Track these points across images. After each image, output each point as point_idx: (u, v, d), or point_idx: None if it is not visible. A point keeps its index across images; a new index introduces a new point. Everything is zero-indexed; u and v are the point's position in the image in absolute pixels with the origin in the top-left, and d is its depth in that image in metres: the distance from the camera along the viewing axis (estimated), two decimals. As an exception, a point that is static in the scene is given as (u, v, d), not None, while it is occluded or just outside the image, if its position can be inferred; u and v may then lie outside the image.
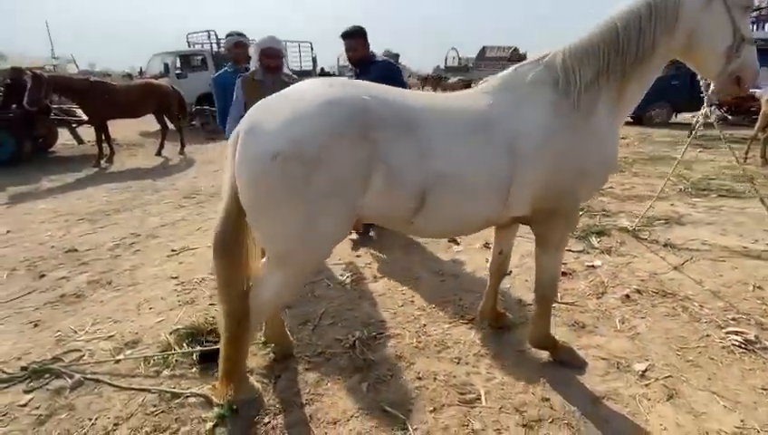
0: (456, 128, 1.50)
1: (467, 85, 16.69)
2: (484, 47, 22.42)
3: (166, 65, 11.00)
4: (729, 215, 3.94)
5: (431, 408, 1.80)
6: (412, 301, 2.66)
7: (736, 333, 2.20)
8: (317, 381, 1.98)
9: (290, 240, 1.43)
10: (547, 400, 1.82)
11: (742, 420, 1.69)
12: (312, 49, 14.84)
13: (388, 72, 3.17)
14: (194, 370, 2.07)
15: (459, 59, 24.41)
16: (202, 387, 1.91)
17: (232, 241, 1.51)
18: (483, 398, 1.84)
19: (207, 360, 2.10)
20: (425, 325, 2.40)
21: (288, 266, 1.51)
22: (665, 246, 3.32)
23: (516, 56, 22.50)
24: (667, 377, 1.94)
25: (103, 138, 7.00)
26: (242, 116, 1.47)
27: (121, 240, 3.75)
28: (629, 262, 3.07)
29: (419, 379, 1.98)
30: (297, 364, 2.09)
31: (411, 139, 1.42)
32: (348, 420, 1.74)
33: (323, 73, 15.50)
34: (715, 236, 3.45)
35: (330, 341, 2.28)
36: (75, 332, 2.41)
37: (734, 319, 2.33)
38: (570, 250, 3.22)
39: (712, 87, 1.76)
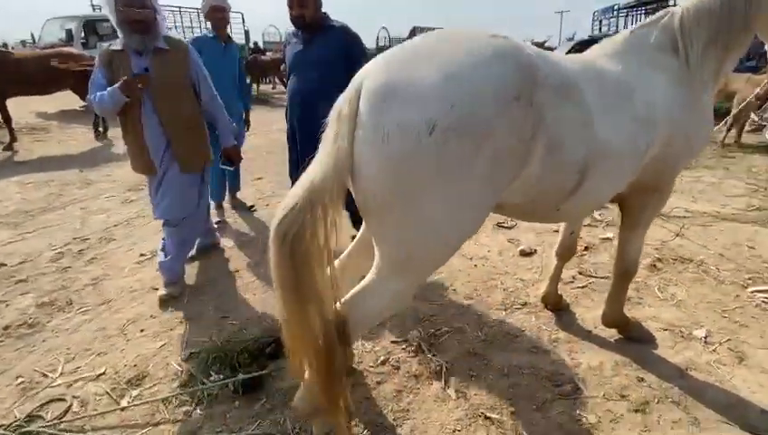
0: (607, 94, 1.29)
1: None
2: (414, 27, 22.36)
3: (68, 32, 9.05)
4: (690, 183, 4.34)
5: (534, 406, 1.63)
6: (454, 289, 2.45)
7: (760, 291, 2.37)
8: (395, 394, 1.70)
9: (427, 239, 1.10)
10: (642, 380, 1.76)
11: (809, 373, 1.79)
12: (243, 21, 13.44)
13: (351, 42, 2.42)
14: (238, 404, 1.64)
15: (390, 39, 24.07)
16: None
17: (309, 242, 1.05)
18: (582, 387, 1.72)
19: (251, 389, 1.69)
20: (481, 316, 2.21)
21: (411, 272, 1.18)
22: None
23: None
24: (727, 340, 2.00)
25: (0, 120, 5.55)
26: None
27: (65, 247, 2.95)
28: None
29: (506, 375, 1.79)
30: (364, 378, 1.78)
31: (572, 104, 1.17)
32: (454, 436, 1.50)
33: (256, 50, 14.12)
34: (690, 204, 3.76)
35: (387, 345, 1.98)
36: (45, 375, 1.79)
37: (750, 278, 2.52)
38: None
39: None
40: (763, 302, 2.28)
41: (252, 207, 3.67)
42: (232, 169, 2.75)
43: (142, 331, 2.10)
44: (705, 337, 2.02)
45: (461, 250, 2.85)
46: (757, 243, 2.97)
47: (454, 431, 1.53)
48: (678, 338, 2.03)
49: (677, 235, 3.11)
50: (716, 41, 1.51)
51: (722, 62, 1.58)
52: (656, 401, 1.65)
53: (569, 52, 11.63)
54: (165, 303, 2.29)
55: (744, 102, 4.31)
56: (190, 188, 2.34)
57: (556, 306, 2.21)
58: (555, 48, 13.27)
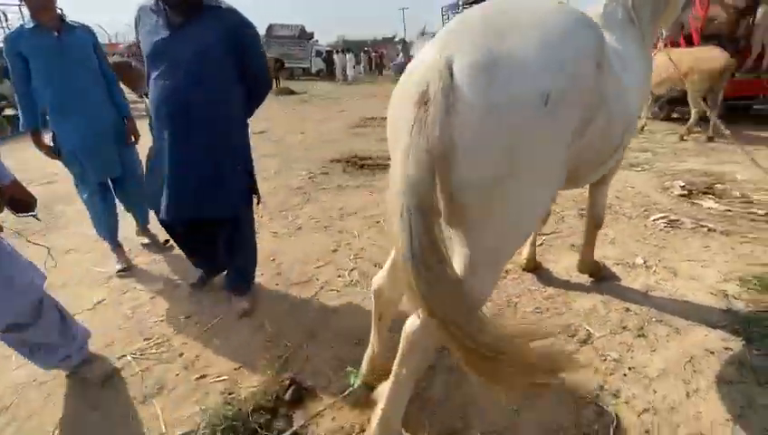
0: (622, 64, 1.38)
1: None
2: (271, 25, 21.50)
3: None
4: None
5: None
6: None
7: (658, 218, 2.97)
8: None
9: (525, 221, 1.04)
10: (628, 310, 2.02)
11: (718, 273, 2.31)
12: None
13: (243, 30, 1.85)
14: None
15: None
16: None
17: (436, 248, 0.90)
18: (591, 330, 1.89)
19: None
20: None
21: (501, 262, 1.12)
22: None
23: (304, 34, 22.55)
24: (658, 261, 2.45)
25: None
26: None
27: None
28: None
29: (529, 340, 1.86)
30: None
31: (614, 73, 1.22)
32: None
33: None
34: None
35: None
36: None
37: (645, 210, 3.14)
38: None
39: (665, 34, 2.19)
40: (665, 226, 2.87)
41: (167, 242, 3.00)
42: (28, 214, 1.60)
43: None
44: (645, 262, 2.44)
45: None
46: (634, 183, 3.72)
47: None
48: (628, 268, 2.40)
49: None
50: (654, 18, 1.78)
51: (653, 36, 1.88)
52: (646, 323, 1.92)
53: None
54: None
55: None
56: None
57: (537, 267, 2.38)
58: (412, 44, 14.37)
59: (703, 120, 5.16)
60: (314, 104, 11.19)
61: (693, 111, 4.99)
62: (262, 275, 2.48)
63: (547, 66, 0.90)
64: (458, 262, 1.05)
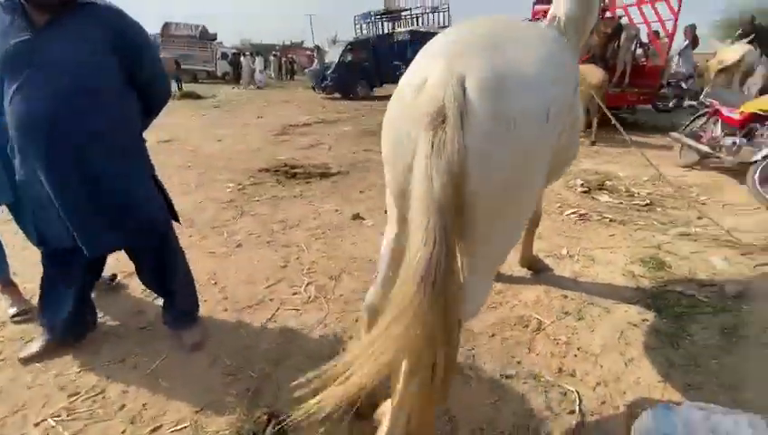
0: None
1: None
2: (166, 23, 19.42)
3: None
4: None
5: (527, 349, 1.89)
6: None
7: (571, 213, 3.40)
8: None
9: (523, 225, 1.11)
10: (566, 296, 2.28)
11: (624, 257, 2.74)
12: None
13: (124, 29, 1.55)
14: None
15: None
16: None
17: (448, 271, 0.90)
18: (542, 319, 2.08)
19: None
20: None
21: (498, 266, 1.18)
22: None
23: (206, 34, 20.92)
24: (578, 251, 2.81)
25: None
26: None
27: None
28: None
29: (484, 334, 1.98)
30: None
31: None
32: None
33: None
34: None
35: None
36: None
37: (559, 206, 3.57)
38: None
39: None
40: (577, 219, 3.31)
41: (113, 278, 2.49)
42: None
43: None
44: (569, 253, 2.78)
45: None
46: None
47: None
48: (557, 259, 2.71)
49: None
50: (577, 39, 2.03)
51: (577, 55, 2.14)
52: (582, 307, 2.19)
53: (346, 50, 12.75)
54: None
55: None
56: None
57: (536, 267, 2.53)
58: (325, 52, 14.31)
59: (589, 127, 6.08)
60: (227, 110, 10.44)
61: (593, 120, 5.83)
62: (205, 302, 2.23)
63: (547, 83, 0.98)
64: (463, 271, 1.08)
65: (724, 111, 4.37)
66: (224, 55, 20.51)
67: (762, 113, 3.96)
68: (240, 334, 2.00)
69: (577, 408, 1.56)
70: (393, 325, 0.95)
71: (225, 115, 9.56)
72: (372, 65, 13.00)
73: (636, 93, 6.92)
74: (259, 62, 18.37)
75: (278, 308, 2.20)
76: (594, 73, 5.63)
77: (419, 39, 11.99)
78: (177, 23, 19.74)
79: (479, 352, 1.86)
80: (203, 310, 2.12)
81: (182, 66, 15.67)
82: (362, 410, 1.43)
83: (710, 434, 1.38)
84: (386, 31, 14.25)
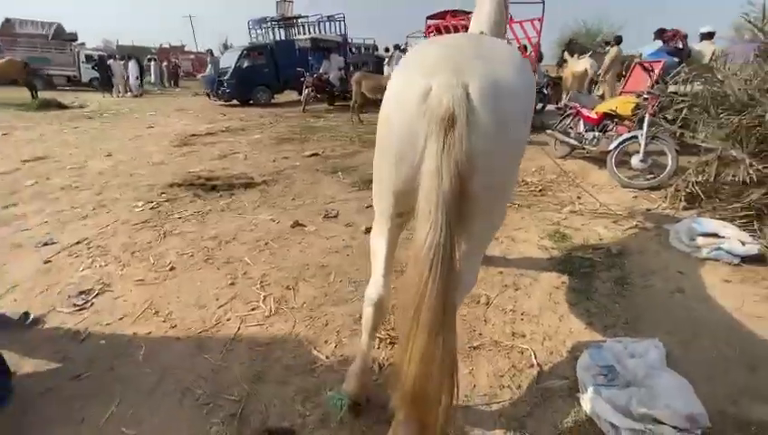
0: None
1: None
2: (8, 19, 15.80)
3: None
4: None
5: (483, 322, 2.14)
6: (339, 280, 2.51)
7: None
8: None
9: (505, 214, 1.31)
10: (501, 272, 2.61)
11: (536, 234, 3.22)
12: None
13: None
14: None
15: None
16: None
17: (451, 257, 1.03)
18: (489, 295, 2.36)
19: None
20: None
21: (484, 253, 1.36)
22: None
23: (63, 33, 17.71)
24: (501, 233, 3.22)
25: None
26: None
27: None
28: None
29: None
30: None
31: None
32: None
33: None
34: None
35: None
36: None
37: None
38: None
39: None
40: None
41: (26, 316, 2.01)
42: None
43: None
44: (495, 236, 3.17)
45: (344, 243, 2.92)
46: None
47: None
48: (487, 243, 3.07)
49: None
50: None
51: None
52: (516, 279, 2.54)
53: (243, 55, 12.03)
54: None
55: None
56: None
57: None
58: (218, 57, 13.35)
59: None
60: (107, 121, 9.04)
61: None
62: (149, 335, 2.00)
63: (525, 90, 1.18)
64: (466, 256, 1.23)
65: (584, 111, 5.40)
66: (89, 58, 17.54)
67: (611, 112, 5.00)
68: (204, 360, 1.85)
69: (534, 361, 1.85)
70: (413, 313, 1.05)
71: (106, 127, 8.27)
72: (273, 71, 12.56)
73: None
74: (133, 66, 16.16)
75: (239, 327, 2.08)
76: None
77: (319, 46, 12.01)
78: (23, 20, 16.29)
79: (446, 332, 2.04)
80: (147, 346, 1.90)
81: (35, 70, 12.97)
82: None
83: (630, 358, 1.77)
84: (280, 37, 13.89)
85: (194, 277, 2.53)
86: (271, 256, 2.82)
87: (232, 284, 2.47)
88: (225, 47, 13.30)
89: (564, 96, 8.63)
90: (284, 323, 2.11)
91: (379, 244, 1.39)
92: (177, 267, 2.65)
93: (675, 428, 1.43)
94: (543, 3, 7.11)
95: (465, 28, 7.79)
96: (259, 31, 13.97)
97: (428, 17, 8.31)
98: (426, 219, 1.03)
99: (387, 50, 14.50)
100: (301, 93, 12.55)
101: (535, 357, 1.87)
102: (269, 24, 13.69)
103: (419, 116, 1.08)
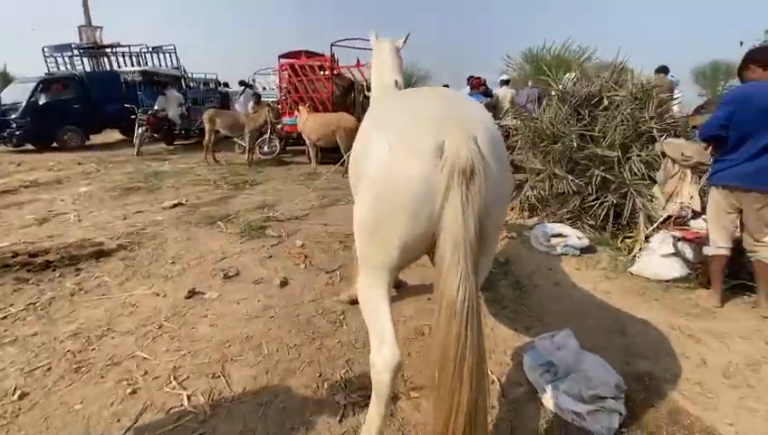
0: None
1: None
2: None
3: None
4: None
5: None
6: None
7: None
8: None
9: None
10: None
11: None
12: None
13: None
14: None
15: None
16: None
17: (479, 307, 1.13)
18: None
19: None
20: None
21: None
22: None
23: None
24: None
25: None
26: None
27: None
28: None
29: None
30: None
31: None
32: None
33: None
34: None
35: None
36: None
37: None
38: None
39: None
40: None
41: None
42: None
43: None
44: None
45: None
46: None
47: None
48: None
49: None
50: None
51: None
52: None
53: (38, 89, 9.34)
54: None
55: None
56: None
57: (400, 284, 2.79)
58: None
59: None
60: None
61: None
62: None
63: (499, 138, 1.30)
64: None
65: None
66: None
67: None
68: None
69: (493, 377, 1.99)
70: (454, 368, 1.05)
71: None
72: (85, 107, 10.19)
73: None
74: None
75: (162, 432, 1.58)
76: (349, 119, 6.76)
77: (152, 80, 10.42)
78: None
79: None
80: None
81: None
82: None
83: (558, 350, 2.08)
84: (92, 68, 11.47)
85: (66, 400, 1.80)
86: (172, 340, 2.25)
87: (133, 393, 1.85)
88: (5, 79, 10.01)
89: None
90: (231, 422, 1.70)
91: (377, 301, 1.30)
92: (32, 392, 1.83)
93: (613, 398, 1.76)
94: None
95: (321, 68, 8.16)
96: (60, 60, 11.21)
97: (281, 56, 8.29)
98: (455, 269, 1.06)
99: (227, 85, 13.74)
100: (126, 133, 10.60)
101: (492, 373, 2.02)
102: (74, 51, 11.15)
103: (436, 170, 1.10)
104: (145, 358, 2.08)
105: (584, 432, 1.65)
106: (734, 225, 2.60)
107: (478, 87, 8.23)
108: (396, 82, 2.22)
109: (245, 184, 6.27)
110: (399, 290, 2.81)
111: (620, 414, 1.70)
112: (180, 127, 10.24)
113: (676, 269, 3.03)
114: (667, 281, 2.98)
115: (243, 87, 10.64)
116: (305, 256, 3.40)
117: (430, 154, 1.12)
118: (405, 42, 2.51)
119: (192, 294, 2.73)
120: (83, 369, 2.00)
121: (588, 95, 4.17)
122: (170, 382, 1.91)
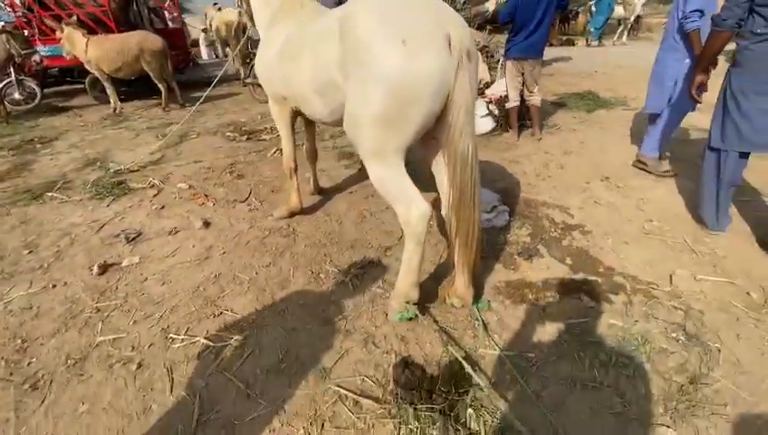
0: None
1: None
2: None
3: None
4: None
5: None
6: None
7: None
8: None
9: None
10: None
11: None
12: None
13: None
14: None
15: None
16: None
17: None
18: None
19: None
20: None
21: None
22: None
23: None
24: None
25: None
26: None
27: None
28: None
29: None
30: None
31: None
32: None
33: None
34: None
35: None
36: None
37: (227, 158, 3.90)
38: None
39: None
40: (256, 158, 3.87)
41: None
42: None
43: None
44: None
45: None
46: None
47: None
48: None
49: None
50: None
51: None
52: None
53: None
54: None
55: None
56: None
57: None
58: None
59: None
60: None
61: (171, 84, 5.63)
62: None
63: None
64: None
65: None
66: None
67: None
68: None
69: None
70: (470, 199, 1.56)
71: None
72: None
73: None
74: None
75: None
76: (155, 39, 5.33)
77: None
78: None
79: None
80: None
81: None
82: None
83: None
84: None
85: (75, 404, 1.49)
86: (130, 313, 1.96)
87: (138, 367, 1.67)
88: None
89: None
90: (266, 335, 1.81)
91: (400, 177, 1.56)
92: (0, 428, 1.42)
93: (499, 205, 2.68)
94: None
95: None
96: None
97: None
98: (465, 132, 1.46)
99: None
100: None
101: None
102: None
103: (449, 57, 1.36)
104: (117, 338, 1.81)
105: (492, 227, 2.51)
106: (521, 84, 3.81)
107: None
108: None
109: (32, 144, 4.52)
110: (323, 194, 3.05)
111: (507, 212, 2.64)
112: None
113: (489, 124, 4.24)
114: (486, 133, 4.17)
115: None
116: (205, 196, 3.09)
117: (443, 43, 1.35)
118: None
119: (104, 268, 2.26)
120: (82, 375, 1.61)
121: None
122: (177, 338, 1.79)
